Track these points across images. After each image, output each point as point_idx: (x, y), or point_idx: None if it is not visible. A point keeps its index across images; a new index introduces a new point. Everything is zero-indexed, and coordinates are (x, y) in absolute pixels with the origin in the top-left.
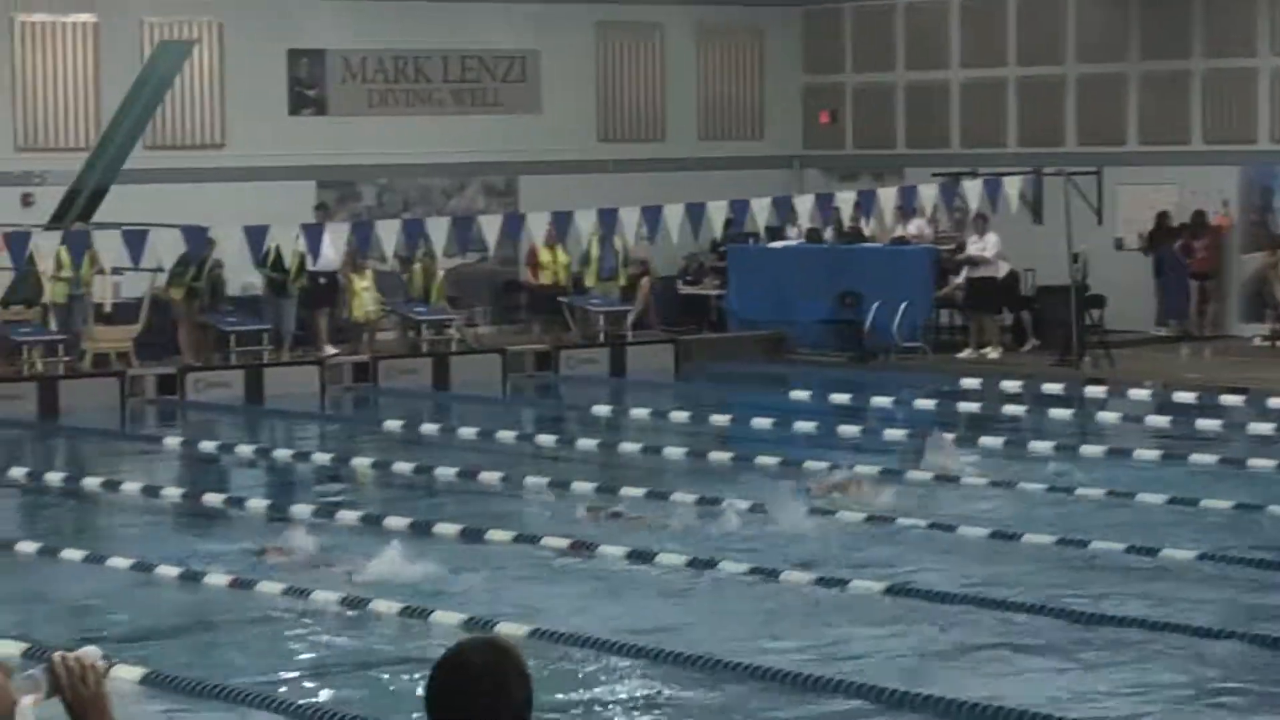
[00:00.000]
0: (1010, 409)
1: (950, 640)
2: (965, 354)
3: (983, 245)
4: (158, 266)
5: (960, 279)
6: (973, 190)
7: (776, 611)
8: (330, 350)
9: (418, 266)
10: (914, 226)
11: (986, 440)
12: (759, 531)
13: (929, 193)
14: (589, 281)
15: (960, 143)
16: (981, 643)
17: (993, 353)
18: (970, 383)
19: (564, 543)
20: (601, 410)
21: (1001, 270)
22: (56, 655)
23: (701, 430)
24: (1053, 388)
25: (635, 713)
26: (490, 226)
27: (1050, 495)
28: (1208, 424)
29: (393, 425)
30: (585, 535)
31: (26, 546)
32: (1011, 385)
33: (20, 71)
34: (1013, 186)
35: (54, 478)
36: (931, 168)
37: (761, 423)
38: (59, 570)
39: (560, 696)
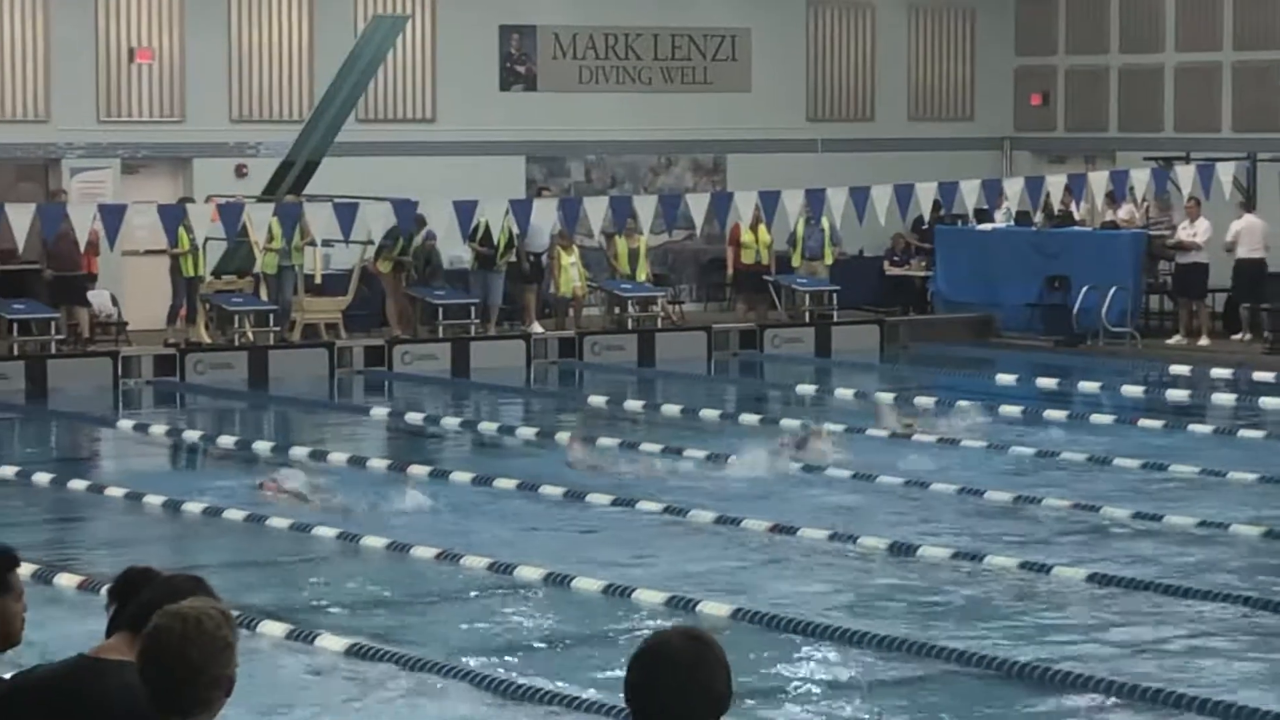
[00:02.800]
0: (1219, 397)
1: (1149, 630)
2: (1174, 340)
3: (1194, 231)
4: (367, 239)
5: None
6: (1185, 175)
7: (979, 595)
8: (537, 326)
9: (622, 241)
10: (1124, 211)
11: (1195, 427)
12: (962, 512)
13: (1140, 177)
14: (794, 262)
15: (1173, 127)
16: (1180, 634)
17: (1203, 340)
18: (1179, 369)
19: (765, 524)
20: (806, 389)
21: (1259, 252)
22: None
23: (906, 411)
24: (1264, 376)
25: (835, 696)
26: (697, 204)
27: (1261, 486)
28: None
29: (597, 401)
30: (786, 517)
31: (234, 514)
32: (1221, 372)
33: (236, 44)
34: (1226, 172)
35: (262, 446)
36: (1143, 152)
37: (966, 405)
38: (265, 537)
39: (760, 676)
